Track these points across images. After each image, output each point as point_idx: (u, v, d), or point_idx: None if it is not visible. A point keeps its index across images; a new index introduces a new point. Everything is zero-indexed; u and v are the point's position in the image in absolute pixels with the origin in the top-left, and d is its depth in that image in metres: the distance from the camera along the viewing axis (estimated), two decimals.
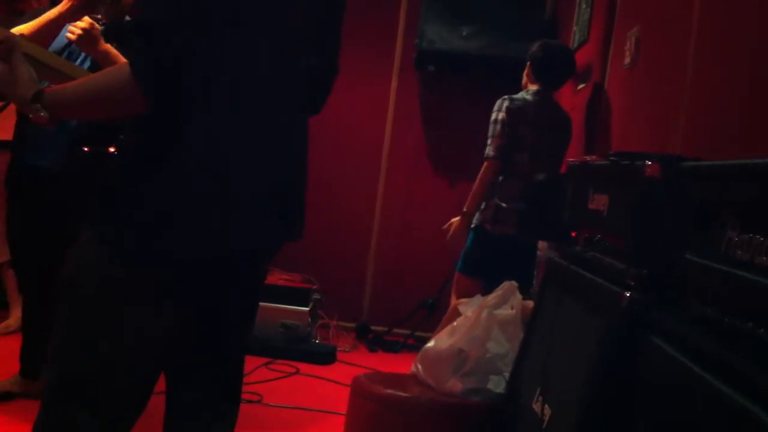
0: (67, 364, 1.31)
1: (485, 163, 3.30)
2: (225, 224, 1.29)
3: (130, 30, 1.28)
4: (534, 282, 3.16)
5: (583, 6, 3.84)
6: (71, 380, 1.31)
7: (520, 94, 3.33)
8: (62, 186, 2.65)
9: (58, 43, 2.61)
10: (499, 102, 3.30)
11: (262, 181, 1.34)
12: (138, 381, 1.35)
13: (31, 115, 1.33)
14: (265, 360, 3.83)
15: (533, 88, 3.35)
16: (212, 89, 1.26)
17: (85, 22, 2.43)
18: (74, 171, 2.59)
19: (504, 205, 3.26)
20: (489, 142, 3.29)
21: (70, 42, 2.50)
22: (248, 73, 1.31)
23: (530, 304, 2.32)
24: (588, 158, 2.05)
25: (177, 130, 1.26)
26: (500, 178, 3.29)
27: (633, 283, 1.51)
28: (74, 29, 2.43)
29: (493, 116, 3.29)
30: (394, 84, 5.03)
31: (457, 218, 3.43)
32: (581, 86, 3.72)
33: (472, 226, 3.36)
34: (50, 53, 1.72)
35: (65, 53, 2.65)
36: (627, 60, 2.94)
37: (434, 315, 4.33)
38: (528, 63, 3.40)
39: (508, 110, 3.24)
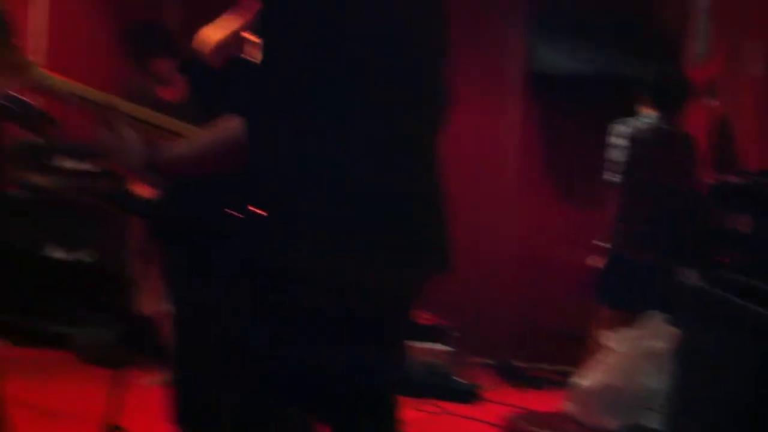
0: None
1: (610, 192, 3.29)
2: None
3: (243, 74, 1.33)
4: (675, 308, 3.07)
5: (702, 18, 3.74)
6: None
7: (639, 119, 3.31)
8: None
9: None
10: (617, 127, 3.30)
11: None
12: None
13: (143, 181, 1.37)
14: (406, 399, 3.86)
15: (651, 112, 3.32)
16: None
17: None
18: None
19: (635, 230, 3.22)
20: (610, 168, 3.28)
21: None
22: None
23: (677, 333, 2.26)
24: (724, 177, 2.01)
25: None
26: (628, 203, 3.25)
27: None
28: None
29: (613, 141, 3.28)
30: (512, 109, 5.00)
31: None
32: (704, 100, 3.61)
33: (609, 255, 3.33)
34: (148, 110, 1.61)
35: None
36: (754, 71, 2.84)
37: (576, 348, 4.25)
38: (644, 88, 3.38)
39: (627, 135, 3.24)
